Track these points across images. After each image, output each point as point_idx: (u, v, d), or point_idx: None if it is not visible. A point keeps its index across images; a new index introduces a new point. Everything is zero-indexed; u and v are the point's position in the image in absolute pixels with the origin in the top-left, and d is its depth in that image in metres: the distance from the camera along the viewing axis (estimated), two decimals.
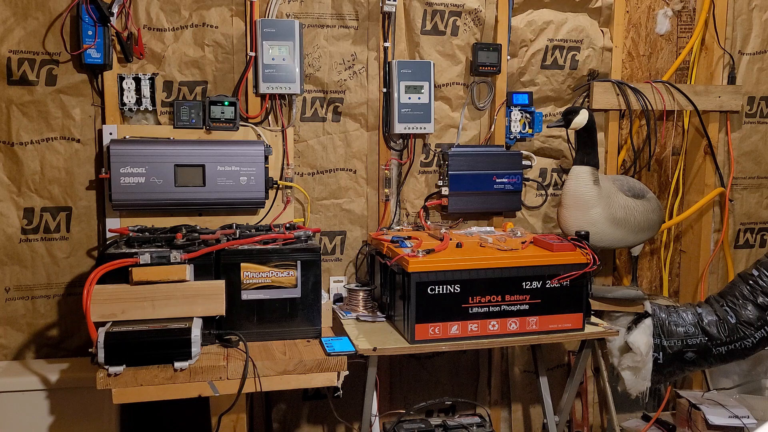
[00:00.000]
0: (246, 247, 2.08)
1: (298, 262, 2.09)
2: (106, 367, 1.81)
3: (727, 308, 2.53)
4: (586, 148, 2.41)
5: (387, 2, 2.52)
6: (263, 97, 2.49)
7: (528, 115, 2.74)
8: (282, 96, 2.50)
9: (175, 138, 2.37)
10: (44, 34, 2.33)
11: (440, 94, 2.69)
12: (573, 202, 2.40)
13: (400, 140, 2.67)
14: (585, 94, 2.84)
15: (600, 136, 2.78)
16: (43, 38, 2.33)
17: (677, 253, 3.09)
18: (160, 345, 1.85)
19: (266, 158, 2.38)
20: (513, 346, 2.83)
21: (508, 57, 2.72)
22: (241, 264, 2.05)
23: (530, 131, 2.75)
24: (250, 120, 2.48)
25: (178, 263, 1.95)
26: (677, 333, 2.52)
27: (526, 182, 2.80)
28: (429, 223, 2.70)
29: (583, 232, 2.32)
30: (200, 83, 2.46)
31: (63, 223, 2.41)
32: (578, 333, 2.22)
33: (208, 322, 2.00)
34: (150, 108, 2.41)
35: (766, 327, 2.48)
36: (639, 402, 2.73)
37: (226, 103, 2.41)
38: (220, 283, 1.99)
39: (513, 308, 2.15)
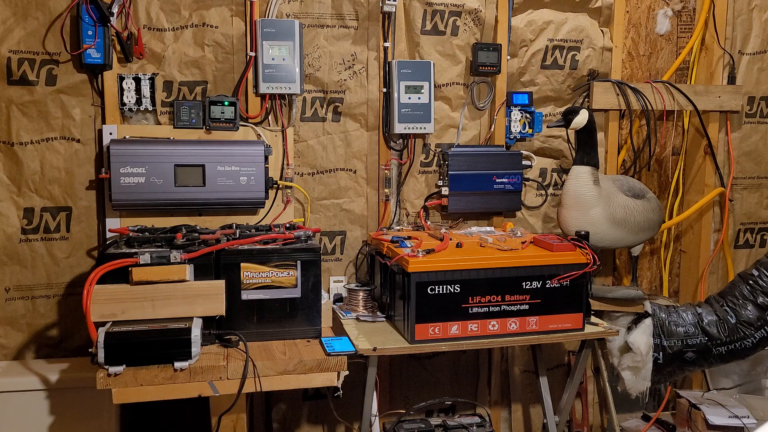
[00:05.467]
0: (246, 247, 2.08)
1: (298, 262, 2.09)
2: (106, 367, 1.81)
3: (727, 308, 2.53)
4: (586, 148, 2.41)
5: (387, 2, 2.52)
6: (263, 97, 2.49)
7: (528, 115, 2.74)
8: (282, 96, 2.50)
9: (175, 138, 2.37)
10: (44, 34, 2.32)
11: (440, 94, 2.69)
12: (573, 202, 2.40)
13: (400, 140, 2.67)
14: (585, 94, 2.84)
15: (600, 136, 2.78)
16: (43, 38, 2.33)
17: (677, 253, 3.09)
18: (160, 345, 1.85)
19: (266, 158, 2.39)
20: (513, 346, 2.82)
21: (508, 57, 2.72)
22: (241, 264, 2.05)
23: (530, 131, 2.75)
24: (250, 120, 2.48)
25: (178, 263, 1.95)
26: (677, 333, 2.51)
27: (526, 182, 2.80)
28: (429, 223, 2.70)
29: (583, 232, 2.32)
30: (200, 83, 2.46)
31: (63, 223, 2.41)
32: (578, 333, 2.22)
33: (208, 322, 2.00)
34: (150, 108, 2.41)
35: (766, 327, 2.48)
36: (639, 402, 2.73)
37: (226, 103, 2.41)
38: (220, 283, 1.99)
39: (513, 308, 2.15)
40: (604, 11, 2.81)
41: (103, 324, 1.89)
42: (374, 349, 2.05)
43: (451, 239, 2.29)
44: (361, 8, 2.56)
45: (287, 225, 2.33)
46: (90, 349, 1.84)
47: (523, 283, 2.14)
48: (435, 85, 2.64)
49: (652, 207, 2.52)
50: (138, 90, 2.38)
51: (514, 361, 2.88)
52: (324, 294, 2.22)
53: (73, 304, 2.42)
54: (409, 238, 2.33)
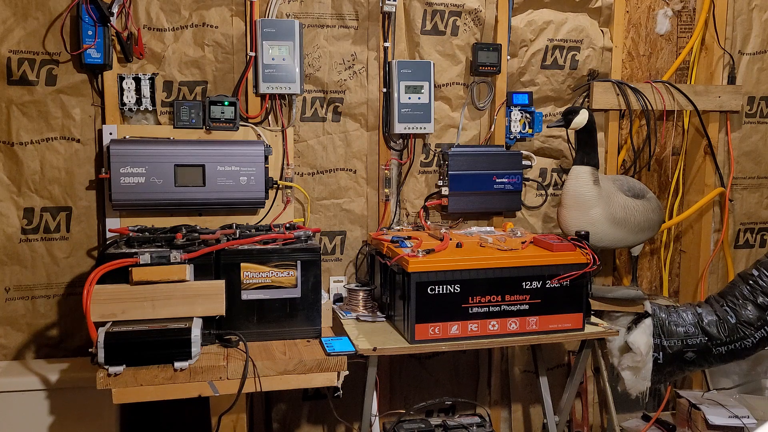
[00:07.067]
0: (246, 247, 2.08)
1: (298, 262, 2.09)
2: (106, 367, 1.81)
3: (727, 308, 2.53)
4: (586, 148, 2.41)
5: (387, 2, 2.52)
6: (263, 97, 2.49)
7: (528, 115, 2.74)
8: (282, 96, 2.50)
9: (175, 138, 2.37)
10: (44, 34, 2.32)
11: (440, 94, 2.69)
12: (573, 202, 2.40)
13: (400, 140, 2.67)
14: (585, 94, 2.84)
15: (600, 136, 2.78)
16: (43, 38, 2.33)
17: (677, 253, 3.09)
18: (160, 345, 1.85)
19: (266, 158, 2.39)
20: (513, 346, 2.83)
21: (508, 57, 2.72)
22: (241, 264, 2.05)
23: (530, 131, 2.75)
24: (250, 120, 2.48)
25: (178, 263, 1.95)
26: (677, 333, 2.51)
27: (526, 182, 2.80)
28: (429, 223, 2.70)
29: (583, 232, 2.32)
30: (200, 83, 2.46)
31: (63, 223, 2.41)
32: (578, 333, 2.22)
33: (208, 322, 2.00)
34: (150, 108, 2.41)
35: (766, 327, 2.48)
36: (639, 402, 2.73)
37: (226, 103, 2.41)
38: (220, 283, 1.99)
39: (513, 308, 2.15)
40: (604, 11, 2.81)
41: (103, 324, 1.89)
42: (374, 349, 2.05)
43: (451, 239, 2.29)
44: (361, 8, 2.56)
45: (287, 225, 2.33)
46: (90, 349, 1.84)
47: (523, 283, 2.14)
48: (435, 85, 2.64)
49: (652, 207, 2.52)
50: (138, 90, 2.38)
51: (514, 361, 2.88)
52: (324, 294, 2.22)
53: (73, 304, 2.42)
54: (409, 238, 2.33)
